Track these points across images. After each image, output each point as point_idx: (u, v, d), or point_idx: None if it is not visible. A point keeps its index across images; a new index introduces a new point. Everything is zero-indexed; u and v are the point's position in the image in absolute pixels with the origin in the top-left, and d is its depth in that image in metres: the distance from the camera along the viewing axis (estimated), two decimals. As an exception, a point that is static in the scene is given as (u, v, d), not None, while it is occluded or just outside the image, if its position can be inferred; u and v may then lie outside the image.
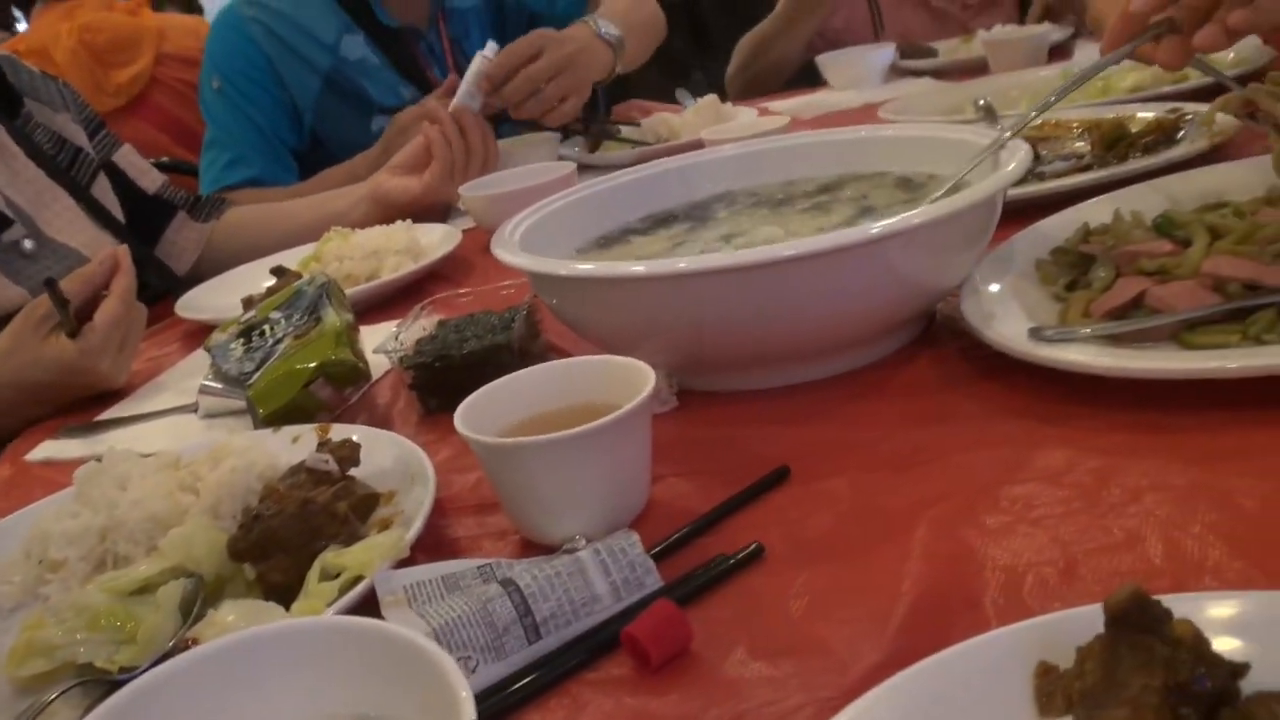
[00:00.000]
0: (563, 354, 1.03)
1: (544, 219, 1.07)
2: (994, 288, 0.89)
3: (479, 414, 0.72)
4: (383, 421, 0.99)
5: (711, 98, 1.91)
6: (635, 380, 0.71)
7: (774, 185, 1.12)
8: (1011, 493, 0.66)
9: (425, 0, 2.04)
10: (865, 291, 0.80)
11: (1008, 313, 0.84)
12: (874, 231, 0.76)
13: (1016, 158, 0.87)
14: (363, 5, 1.98)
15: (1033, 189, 1.15)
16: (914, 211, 0.79)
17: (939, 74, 2.16)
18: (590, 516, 0.68)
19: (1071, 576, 0.57)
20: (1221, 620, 0.44)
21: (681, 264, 0.80)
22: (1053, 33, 2.04)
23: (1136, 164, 1.16)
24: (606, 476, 0.68)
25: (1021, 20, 2.39)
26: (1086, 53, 2.08)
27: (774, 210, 1.05)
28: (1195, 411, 0.69)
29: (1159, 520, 0.60)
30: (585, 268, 0.86)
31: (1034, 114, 0.99)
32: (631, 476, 0.70)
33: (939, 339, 0.89)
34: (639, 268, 0.81)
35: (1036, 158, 1.29)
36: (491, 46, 1.78)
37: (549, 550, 0.68)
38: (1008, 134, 0.94)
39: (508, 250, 0.93)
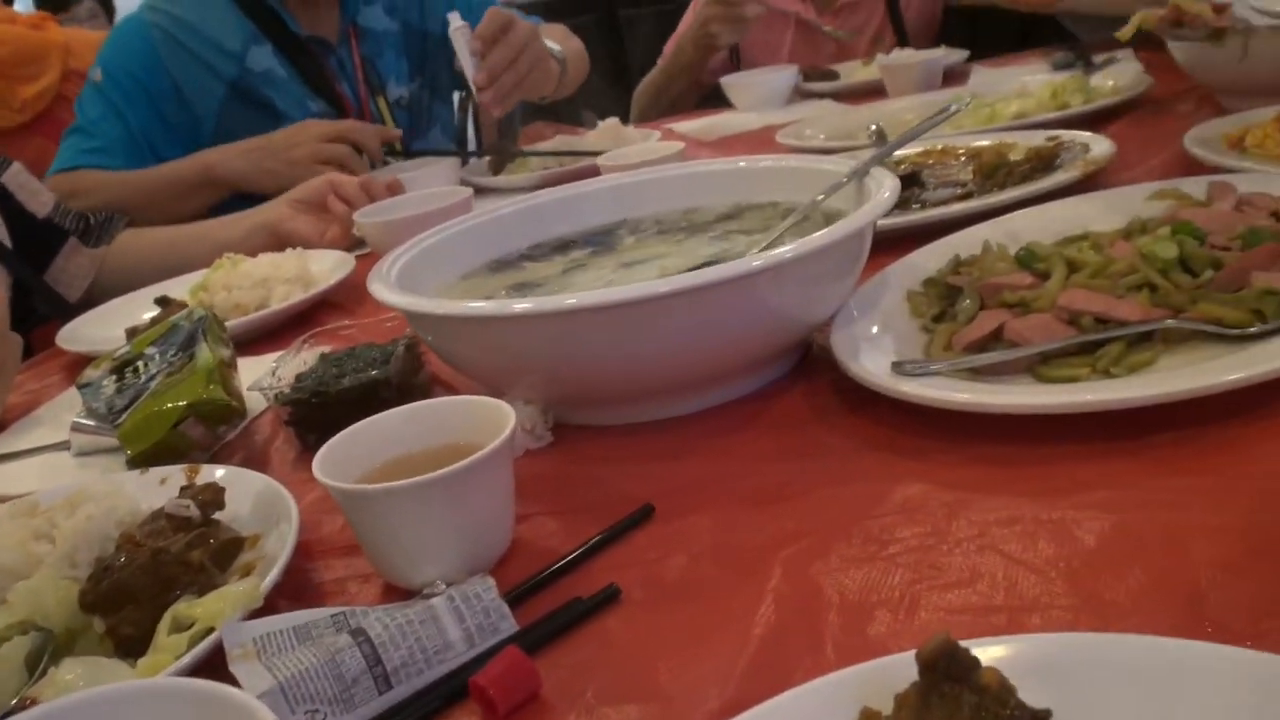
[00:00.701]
0: (447, 387, 1.03)
1: (434, 246, 1.07)
2: (866, 319, 0.90)
3: (339, 458, 0.72)
4: (260, 459, 0.97)
5: (613, 121, 1.92)
6: (497, 421, 0.71)
7: (676, 213, 1.13)
8: (867, 529, 0.67)
9: (336, 14, 2.03)
10: (735, 327, 0.81)
11: (876, 345, 0.85)
12: (740, 268, 0.77)
13: (885, 189, 0.89)
14: (271, 14, 1.96)
15: (914, 217, 1.17)
16: (784, 248, 0.79)
17: (840, 96, 2.20)
18: (450, 560, 0.68)
19: (914, 615, 0.58)
20: (1032, 664, 0.45)
21: (532, 304, 0.80)
22: (946, 57, 2.09)
23: (1014, 192, 1.19)
24: (465, 520, 0.68)
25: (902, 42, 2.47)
26: (981, 78, 2.13)
27: (680, 238, 1.05)
28: (1046, 444, 0.71)
29: (1003, 556, 0.61)
30: (448, 306, 0.85)
31: (890, 148, 1.01)
32: (492, 519, 0.70)
33: (814, 370, 0.90)
34: (497, 308, 0.81)
35: (921, 185, 1.32)
36: (455, 19, 1.78)
37: (411, 594, 0.68)
38: (867, 166, 0.95)
39: (382, 284, 0.92)
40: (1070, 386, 0.74)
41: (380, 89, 2.12)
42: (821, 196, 0.98)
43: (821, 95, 2.23)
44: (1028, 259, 0.89)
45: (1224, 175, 1.07)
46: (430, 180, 1.81)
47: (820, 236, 0.79)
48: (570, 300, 0.78)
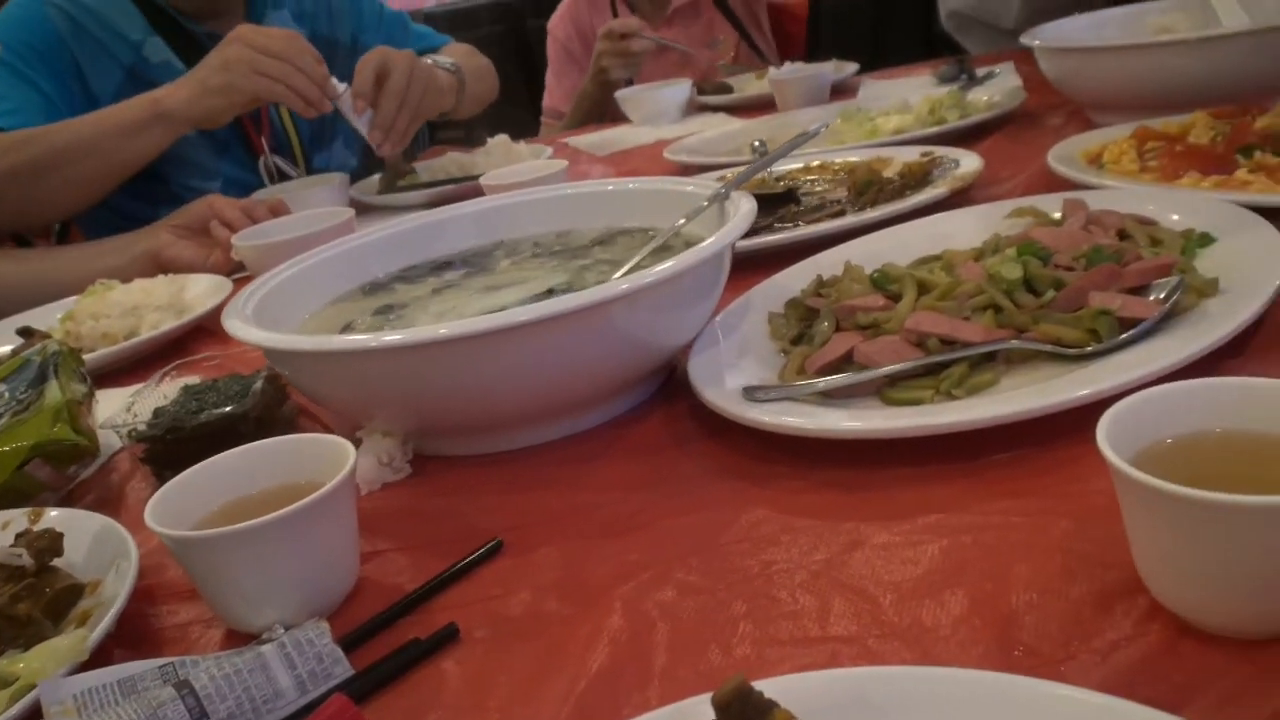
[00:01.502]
0: (313, 419, 1.01)
1: (303, 272, 1.06)
2: (726, 342, 0.91)
3: (176, 502, 0.70)
4: (115, 498, 0.95)
5: (502, 138, 1.91)
6: (338, 459, 0.70)
7: (551, 236, 1.13)
8: (708, 560, 0.67)
9: (239, 13, 1.98)
10: (585, 357, 0.80)
11: (734, 369, 0.86)
12: (589, 298, 0.76)
13: (739, 214, 0.89)
14: (161, 10, 1.91)
15: (780, 237, 1.18)
16: (640, 274, 0.79)
17: (734, 110, 2.21)
18: (289, 603, 0.67)
19: (743, 650, 0.58)
20: (834, 700, 0.45)
21: (360, 340, 0.79)
22: (835, 72, 2.12)
23: (884, 210, 1.21)
24: (303, 562, 0.66)
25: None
26: (870, 90, 2.16)
27: (553, 263, 1.05)
28: (891, 467, 0.72)
29: (838, 584, 0.62)
30: (288, 341, 0.84)
31: (750, 172, 1.02)
32: (333, 559, 0.69)
33: (677, 394, 0.90)
34: (319, 343, 0.80)
35: (797, 202, 1.33)
36: (334, 85, 1.75)
37: (252, 638, 0.66)
38: (723, 190, 0.96)
39: (236, 317, 0.90)
40: (908, 410, 0.75)
41: None
42: (682, 221, 0.98)
43: (716, 109, 2.25)
44: (881, 280, 0.91)
45: (1080, 192, 1.10)
46: (318, 199, 1.79)
47: (666, 268, 0.79)
48: (395, 337, 0.77)
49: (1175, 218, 0.99)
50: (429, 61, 1.91)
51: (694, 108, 2.29)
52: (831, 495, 0.71)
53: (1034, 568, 0.59)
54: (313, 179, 1.93)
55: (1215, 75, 1.35)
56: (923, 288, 0.88)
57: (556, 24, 2.75)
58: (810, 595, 0.61)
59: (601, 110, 2.51)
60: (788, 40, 5.16)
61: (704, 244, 0.82)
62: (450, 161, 1.90)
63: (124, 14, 1.90)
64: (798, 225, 1.23)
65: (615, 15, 2.64)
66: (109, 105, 1.76)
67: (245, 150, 1.99)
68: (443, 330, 0.74)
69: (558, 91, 2.76)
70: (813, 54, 4.24)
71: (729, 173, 1.45)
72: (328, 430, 0.98)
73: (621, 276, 0.86)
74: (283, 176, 2.01)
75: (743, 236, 1.13)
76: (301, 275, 1.05)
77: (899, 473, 0.72)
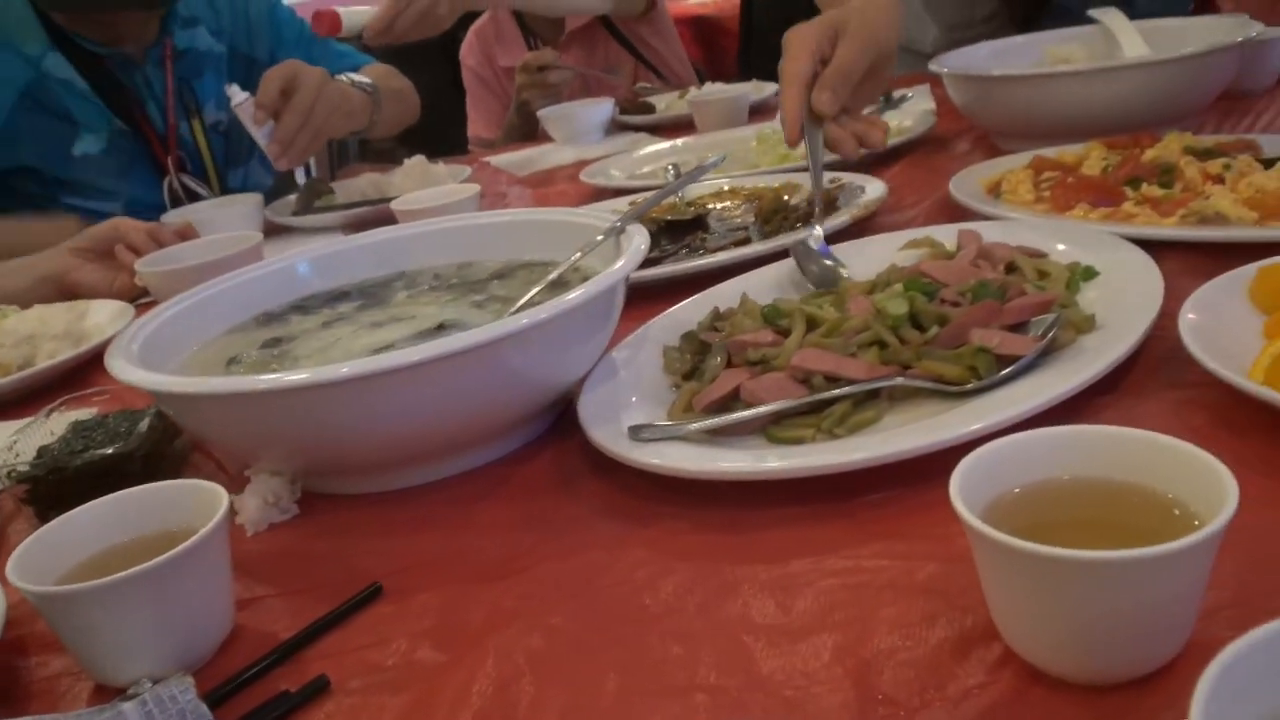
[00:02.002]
0: (208, 455, 0.99)
1: (203, 301, 1.04)
2: (619, 378, 0.91)
3: (44, 551, 0.68)
4: (-5, 540, 0.92)
5: (419, 159, 1.90)
6: (211, 504, 0.68)
7: (452, 267, 1.12)
8: (583, 606, 0.67)
9: (142, 30, 1.94)
10: (473, 396, 0.80)
11: (624, 406, 0.86)
12: (464, 341, 0.75)
13: (630, 251, 0.89)
14: (60, 29, 1.87)
15: (677, 267, 1.18)
16: (496, 323, 0.79)
17: (656, 130, 2.22)
18: (156, 657, 0.65)
19: (599, 703, 0.58)
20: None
21: (228, 383, 0.78)
22: (754, 93, 2.14)
23: (789, 238, 1.21)
24: (169, 616, 0.65)
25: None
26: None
27: (449, 297, 1.04)
28: (773, 507, 0.73)
29: (709, 630, 0.62)
30: (161, 382, 0.81)
31: (645, 206, 1.03)
32: (202, 610, 0.68)
33: (569, 430, 0.90)
34: (187, 384, 0.80)
35: (705, 229, 1.34)
36: (235, 92, 1.73)
37: (118, 692, 0.65)
38: (619, 224, 0.96)
39: (119, 354, 0.88)
40: (791, 449, 0.76)
41: (196, 111, 2.06)
42: (577, 256, 0.98)
43: (638, 128, 2.25)
44: (772, 315, 0.91)
45: (975, 223, 1.12)
46: (230, 221, 1.76)
47: (550, 308, 0.78)
48: (261, 381, 0.76)
49: (1062, 248, 1.01)
50: (344, 79, 1.90)
51: (616, 127, 2.29)
52: (712, 536, 0.72)
53: (899, 612, 0.60)
54: (225, 200, 1.90)
55: (1111, 105, 1.39)
56: (812, 323, 0.89)
57: (467, 53, 2.75)
58: (681, 643, 0.61)
59: (530, 136, 2.51)
60: (720, 54, 5.20)
61: (586, 286, 0.81)
62: (367, 183, 1.89)
63: (24, 26, 1.86)
64: (702, 253, 1.24)
65: (526, 41, 2.64)
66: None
67: (151, 170, 1.96)
68: (304, 375, 0.73)
69: (478, 119, 2.76)
70: (744, 69, 4.28)
71: (639, 198, 1.45)
72: (221, 467, 0.96)
73: (509, 315, 0.86)
74: (193, 197, 1.98)
75: (646, 265, 1.14)
76: (197, 307, 1.04)
77: (779, 513, 0.72)
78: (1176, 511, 0.52)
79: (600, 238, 0.97)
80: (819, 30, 1.24)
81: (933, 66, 1.60)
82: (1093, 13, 1.72)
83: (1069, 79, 1.42)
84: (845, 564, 0.65)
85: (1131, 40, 1.63)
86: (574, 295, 0.80)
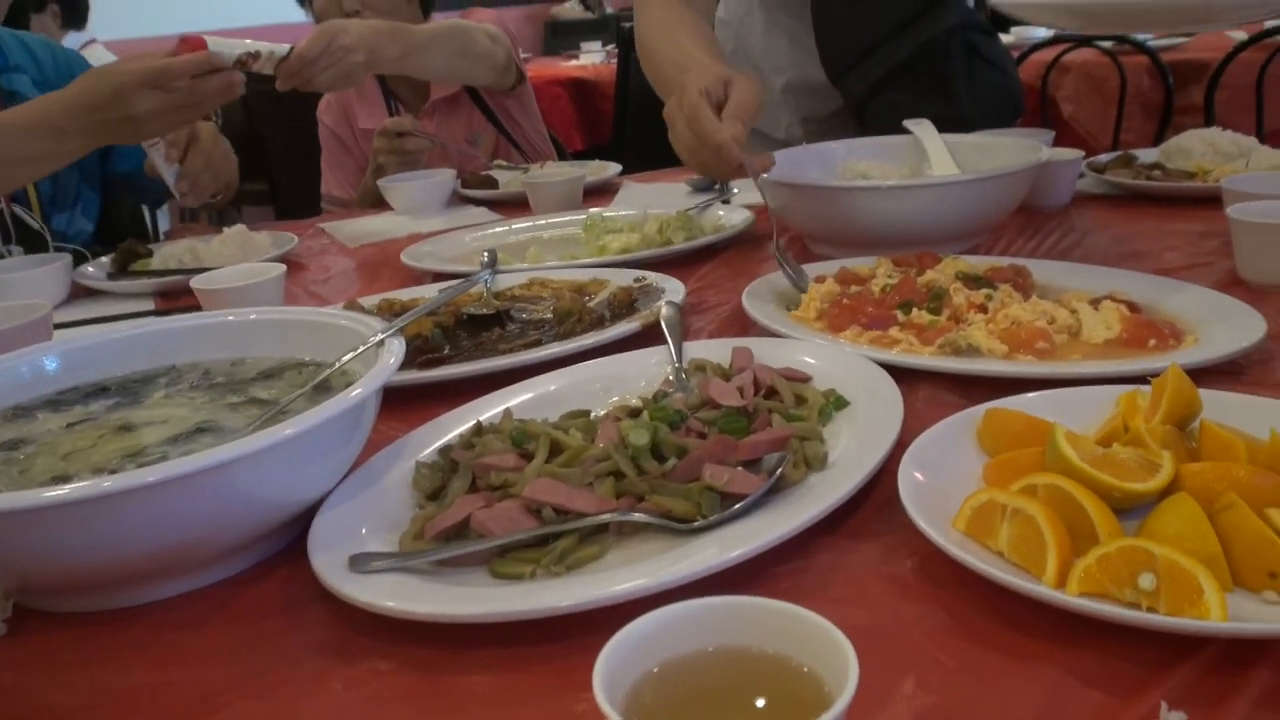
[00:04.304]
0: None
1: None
2: (360, 498, 0.89)
3: None
4: None
5: (239, 228, 1.87)
6: None
7: (224, 364, 1.09)
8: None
9: None
10: (186, 521, 0.77)
11: (357, 529, 0.84)
12: (183, 467, 0.73)
13: (378, 366, 0.88)
14: None
15: (442, 373, 1.16)
16: (250, 436, 0.77)
17: (496, 205, 2.23)
18: None
19: None
20: None
21: None
22: (590, 174, 2.16)
23: (573, 344, 1.21)
24: None
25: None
26: (628, 193, 2.21)
27: (202, 399, 1.01)
28: (476, 648, 0.71)
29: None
30: None
31: (404, 321, 1.02)
32: None
33: (305, 550, 0.88)
34: None
35: (502, 326, 1.34)
36: None
37: None
38: (380, 335, 0.96)
39: None
40: (497, 588, 0.75)
41: None
42: (345, 359, 0.97)
43: (479, 202, 2.25)
44: (519, 438, 0.91)
45: (750, 340, 1.14)
46: (35, 283, 1.70)
47: (269, 434, 0.77)
48: None
49: (824, 372, 1.04)
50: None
51: (460, 200, 2.29)
52: (409, 680, 0.70)
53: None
54: (32, 259, 1.83)
55: (908, 219, 1.45)
56: (556, 448, 0.89)
57: (324, 111, 2.73)
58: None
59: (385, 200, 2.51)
60: (597, 118, 5.26)
61: (320, 407, 0.80)
62: (185, 249, 1.84)
63: None
64: (499, 354, 1.22)
65: (388, 105, 2.63)
66: None
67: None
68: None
69: (331, 178, 2.73)
70: (618, 136, 4.33)
71: (446, 285, 1.45)
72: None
73: (258, 426, 0.84)
74: (21, 229, 1.94)
75: (432, 364, 1.14)
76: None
77: (483, 655, 0.71)
78: (813, 685, 0.53)
79: (361, 348, 0.97)
80: (711, 78, 1.41)
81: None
82: (907, 123, 1.79)
83: (867, 193, 1.47)
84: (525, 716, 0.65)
85: (939, 155, 1.70)
86: (302, 419, 0.79)
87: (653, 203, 1.97)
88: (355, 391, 0.83)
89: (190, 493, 0.76)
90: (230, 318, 1.12)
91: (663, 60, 1.73)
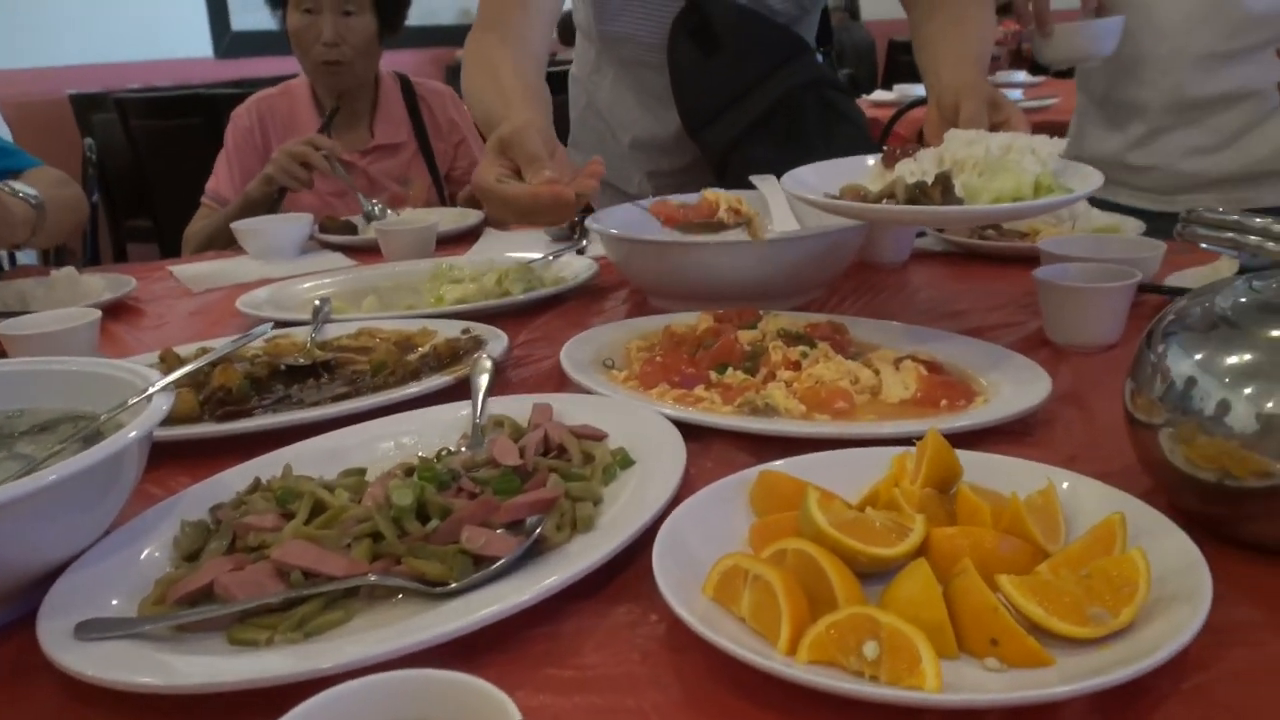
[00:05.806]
0: None
1: None
2: (116, 557, 0.85)
3: None
4: None
5: (68, 270, 1.81)
6: None
7: (3, 415, 1.05)
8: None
9: None
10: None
11: (100, 594, 0.81)
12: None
13: (138, 420, 0.85)
14: None
15: (277, 419, 1.14)
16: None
17: (352, 250, 2.19)
18: None
19: None
20: None
21: None
22: (442, 224, 2.14)
23: (378, 397, 1.18)
24: None
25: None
26: (489, 240, 2.20)
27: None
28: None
29: None
30: None
31: (182, 373, 0.99)
32: None
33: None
34: None
35: (318, 377, 1.31)
36: None
37: None
38: (151, 390, 0.93)
39: None
40: (234, 657, 0.73)
41: None
42: (111, 412, 0.94)
43: (335, 248, 2.22)
44: (284, 497, 0.89)
45: (559, 395, 1.13)
46: None
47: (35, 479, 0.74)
48: None
49: (621, 429, 1.03)
50: (4, 189, 1.81)
51: (316, 245, 2.25)
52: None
53: None
54: None
55: (741, 275, 1.46)
56: (319, 508, 0.87)
57: (242, 112, 2.65)
58: None
59: (274, 209, 2.46)
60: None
61: (56, 468, 0.77)
62: (13, 293, 1.77)
63: None
64: (287, 407, 1.19)
65: (320, 120, 2.58)
66: None
67: None
68: None
69: (225, 176, 2.63)
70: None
71: (282, 333, 1.42)
72: None
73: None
74: None
75: (235, 417, 1.11)
76: None
77: (213, 726, 0.69)
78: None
79: (134, 400, 0.93)
80: (490, 154, 1.34)
81: (589, 222, 1.64)
82: (754, 179, 1.81)
83: (699, 249, 1.48)
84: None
85: (780, 211, 1.72)
86: (32, 480, 0.75)
87: (513, 249, 1.96)
88: (98, 448, 0.80)
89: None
90: (9, 367, 1.08)
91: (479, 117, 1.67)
